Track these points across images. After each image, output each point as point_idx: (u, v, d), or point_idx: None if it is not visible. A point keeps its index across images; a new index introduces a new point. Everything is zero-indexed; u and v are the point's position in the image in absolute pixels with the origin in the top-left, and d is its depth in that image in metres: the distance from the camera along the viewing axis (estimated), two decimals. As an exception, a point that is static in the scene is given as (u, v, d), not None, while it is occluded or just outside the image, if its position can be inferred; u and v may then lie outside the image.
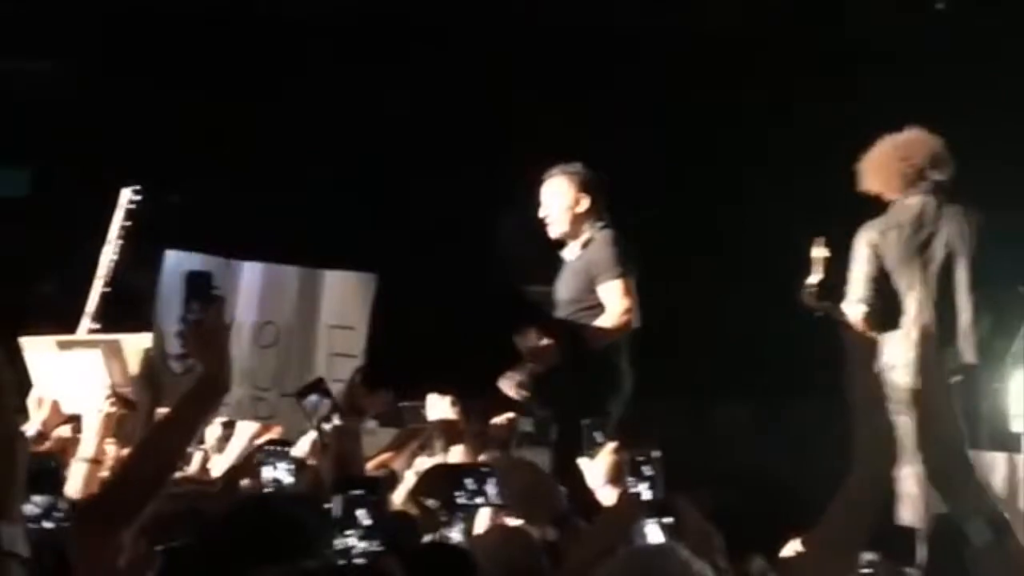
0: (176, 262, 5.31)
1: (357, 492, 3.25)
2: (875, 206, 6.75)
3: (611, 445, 4.23)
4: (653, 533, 3.24)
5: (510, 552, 3.55)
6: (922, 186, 6.59)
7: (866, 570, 3.45)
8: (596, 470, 4.12)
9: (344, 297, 4.95)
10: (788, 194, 11.03)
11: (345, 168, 13.02)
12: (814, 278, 6.68)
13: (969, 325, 6.60)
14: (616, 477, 4.05)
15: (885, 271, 6.59)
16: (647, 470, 3.80)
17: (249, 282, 5.12)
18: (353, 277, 4.99)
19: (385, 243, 12.30)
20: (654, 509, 3.26)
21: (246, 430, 5.31)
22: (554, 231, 6.87)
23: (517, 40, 12.16)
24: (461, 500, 3.92)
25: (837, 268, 6.74)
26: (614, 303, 6.65)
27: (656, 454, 3.83)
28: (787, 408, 11.90)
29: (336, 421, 4.27)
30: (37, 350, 5.63)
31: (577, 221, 6.84)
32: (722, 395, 12.17)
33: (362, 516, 3.22)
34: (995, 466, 6.48)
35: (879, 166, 6.64)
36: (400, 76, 13.08)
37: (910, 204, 6.59)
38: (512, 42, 12.17)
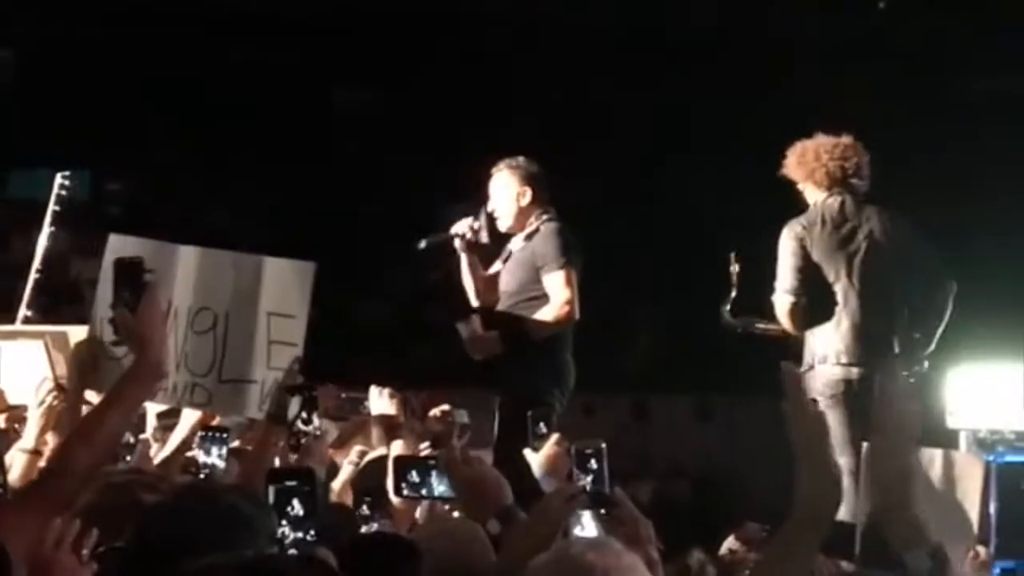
0: (120, 246, 5.24)
1: (290, 483, 3.24)
2: (794, 203, 6.92)
3: (554, 436, 4.24)
4: (588, 524, 3.23)
5: (458, 546, 3.53)
6: (845, 186, 6.82)
7: None
8: (539, 461, 4.12)
9: (283, 285, 4.89)
10: (727, 190, 11.15)
11: (298, 152, 12.98)
12: (730, 297, 6.93)
13: (908, 320, 6.78)
14: (558, 468, 4.06)
15: (812, 263, 6.73)
16: (592, 463, 3.80)
17: (186, 266, 5.06)
18: (292, 265, 4.94)
19: (332, 232, 12.30)
20: (591, 500, 3.26)
21: (188, 419, 5.26)
22: (502, 224, 6.89)
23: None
24: (406, 492, 3.90)
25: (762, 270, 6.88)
26: (556, 294, 6.67)
27: (602, 446, 3.83)
28: (727, 402, 12.01)
29: (316, 422, 4.23)
30: None
31: (522, 214, 6.86)
32: (664, 388, 12.24)
33: (295, 506, 3.20)
34: (932, 462, 6.53)
35: (813, 158, 6.82)
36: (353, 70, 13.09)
37: (831, 202, 6.79)
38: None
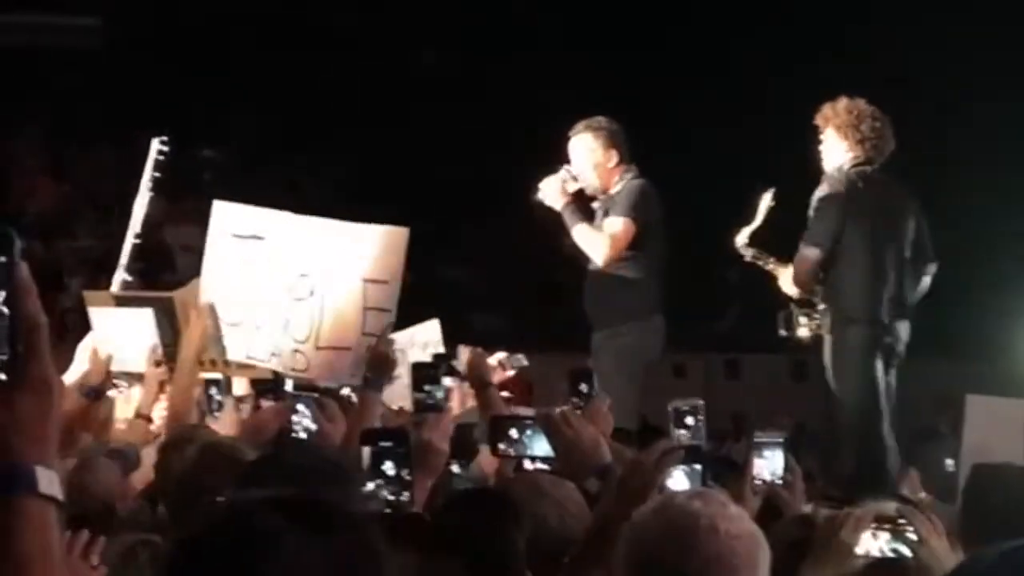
0: (224, 212, 5.28)
1: (385, 443, 3.26)
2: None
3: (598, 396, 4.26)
4: (679, 480, 3.20)
5: (553, 504, 3.51)
6: (877, 153, 6.86)
7: None
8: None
9: (379, 251, 4.90)
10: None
11: (386, 127, 13.00)
12: (753, 225, 6.96)
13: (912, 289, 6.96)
14: (601, 428, 4.03)
15: (847, 224, 6.76)
16: (689, 419, 3.76)
17: (287, 233, 5.10)
18: (388, 231, 4.94)
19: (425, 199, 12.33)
20: (686, 456, 3.22)
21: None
22: (587, 187, 6.81)
23: None
24: (503, 450, 3.89)
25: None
26: (607, 232, 6.62)
27: (699, 403, 3.80)
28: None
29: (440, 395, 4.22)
30: (97, 304, 5.62)
31: (609, 175, 6.80)
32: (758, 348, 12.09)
33: (388, 468, 3.23)
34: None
35: (857, 119, 6.84)
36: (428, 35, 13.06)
37: (865, 168, 6.84)
38: None
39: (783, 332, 6.97)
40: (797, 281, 6.85)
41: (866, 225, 6.81)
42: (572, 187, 6.73)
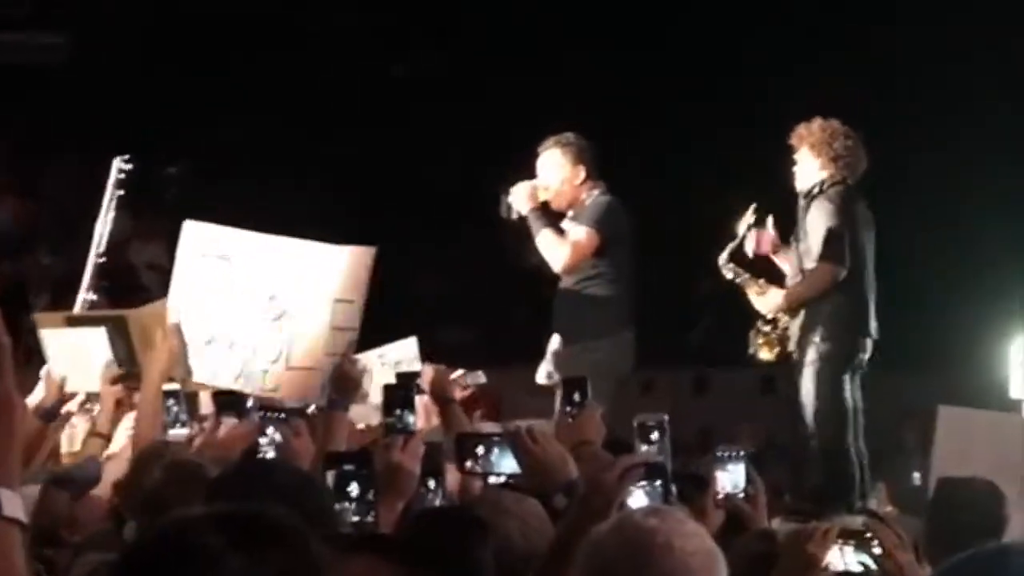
0: (195, 232, 5.27)
1: (348, 467, 3.26)
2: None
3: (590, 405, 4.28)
4: (640, 497, 3.20)
5: (518, 522, 3.51)
6: (853, 172, 7.05)
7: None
8: (573, 429, 4.10)
9: (348, 270, 4.92)
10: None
11: (353, 141, 12.97)
12: (734, 243, 7.06)
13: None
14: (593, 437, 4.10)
15: (853, 239, 6.94)
16: (654, 435, 3.77)
17: (260, 254, 5.10)
18: (356, 250, 4.96)
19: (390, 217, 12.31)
20: (647, 473, 3.22)
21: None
22: (554, 203, 6.82)
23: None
24: (470, 468, 3.88)
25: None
26: (570, 239, 6.64)
27: (664, 419, 3.81)
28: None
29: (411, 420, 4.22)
30: (48, 325, 5.59)
31: (576, 191, 6.81)
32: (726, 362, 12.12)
33: (353, 490, 3.23)
34: (1007, 429, 6.47)
35: (831, 137, 7.00)
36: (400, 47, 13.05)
37: (850, 185, 7.01)
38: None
39: (753, 351, 7.04)
40: (809, 299, 6.88)
41: (860, 242, 6.95)
42: (542, 196, 6.75)
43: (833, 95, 7.98)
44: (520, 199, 6.71)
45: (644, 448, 3.82)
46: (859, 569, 3.59)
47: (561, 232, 6.76)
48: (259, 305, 5.01)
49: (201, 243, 5.23)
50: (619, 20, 12.77)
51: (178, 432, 5.07)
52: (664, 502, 3.19)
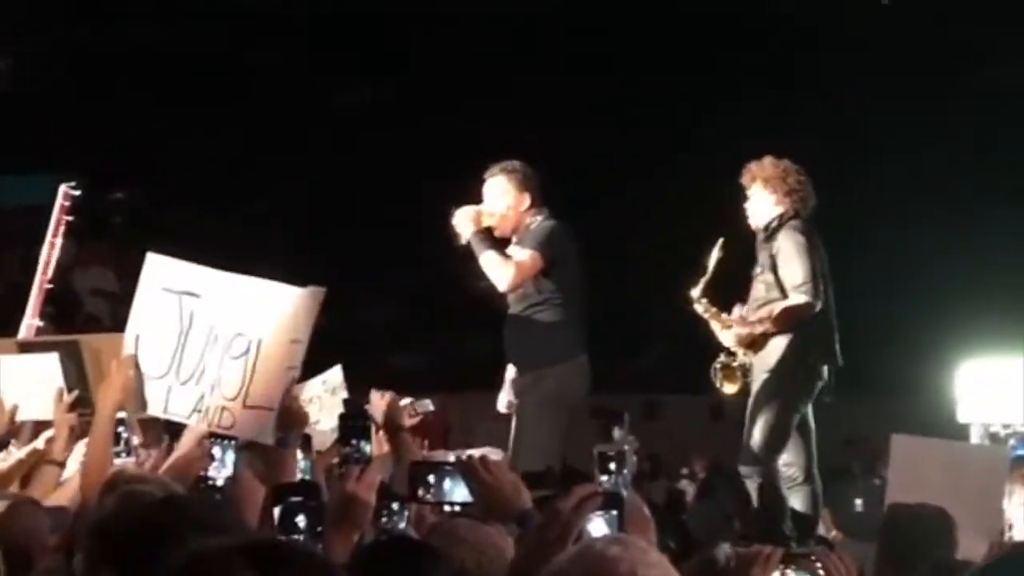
0: (158, 266, 5.23)
1: (296, 499, 3.25)
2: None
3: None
4: (598, 526, 3.18)
5: (473, 551, 3.49)
6: (803, 215, 7.13)
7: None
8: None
9: (302, 311, 4.93)
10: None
11: (299, 168, 12.94)
12: (703, 279, 7.09)
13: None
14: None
15: (820, 270, 7.01)
16: (612, 465, 3.76)
17: (227, 292, 5.08)
18: (310, 291, 4.96)
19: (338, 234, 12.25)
20: (604, 502, 3.20)
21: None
22: (500, 231, 6.83)
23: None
24: (422, 497, 3.86)
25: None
26: (514, 259, 6.67)
27: (624, 449, 3.80)
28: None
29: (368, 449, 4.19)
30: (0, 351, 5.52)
31: (521, 217, 6.82)
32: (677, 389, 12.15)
33: (300, 521, 3.22)
34: (956, 455, 6.52)
35: (785, 174, 7.11)
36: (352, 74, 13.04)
37: (806, 220, 7.10)
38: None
39: (717, 384, 7.08)
40: (782, 331, 6.92)
41: (824, 272, 7.02)
42: (487, 221, 6.75)
43: (778, 133, 8.07)
44: (463, 223, 6.72)
45: (603, 478, 3.80)
46: None
47: (505, 254, 6.77)
48: (223, 342, 4.99)
49: (165, 277, 5.21)
50: (565, 48, 12.83)
51: (124, 461, 5.02)
52: (620, 531, 3.17)
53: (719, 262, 7.07)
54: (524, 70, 12.81)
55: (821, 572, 3.64)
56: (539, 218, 6.81)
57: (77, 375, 5.29)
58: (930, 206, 12.02)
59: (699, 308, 7.11)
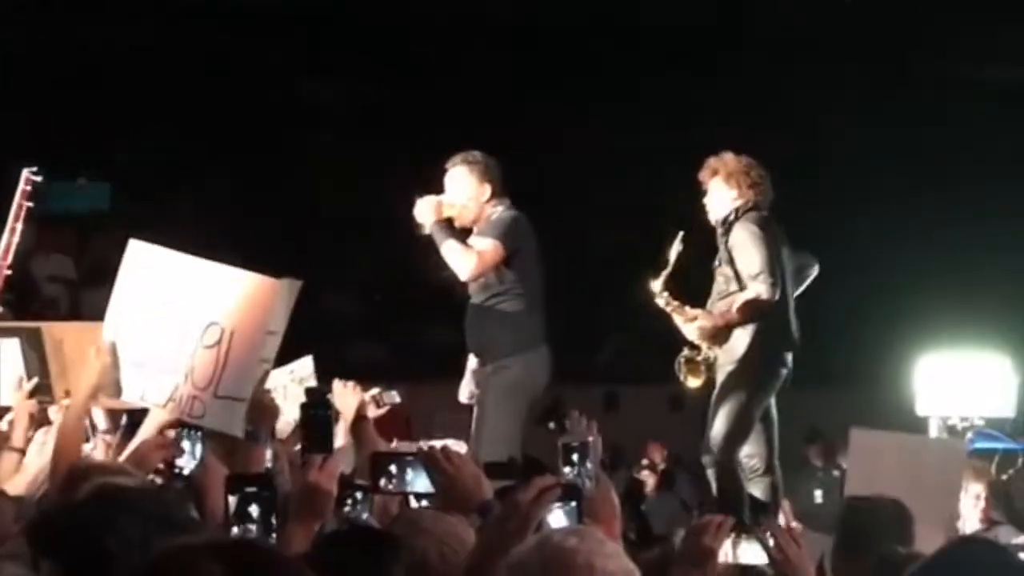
0: (139, 253, 5.20)
1: (250, 489, 3.25)
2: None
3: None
4: (557, 518, 3.20)
5: (435, 541, 3.49)
6: (764, 208, 7.13)
7: None
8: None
9: (280, 303, 4.92)
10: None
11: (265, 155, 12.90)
12: (664, 272, 7.07)
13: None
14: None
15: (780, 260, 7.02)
16: (574, 456, 3.77)
17: (203, 280, 5.06)
18: (288, 283, 4.96)
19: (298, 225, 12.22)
20: (564, 494, 3.22)
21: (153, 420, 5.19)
22: (461, 221, 6.83)
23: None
24: (383, 487, 3.86)
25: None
26: (475, 248, 6.68)
27: (588, 440, 3.81)
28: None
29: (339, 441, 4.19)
30: None
31: (482, 208, 6.83)
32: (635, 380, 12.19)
33: (254, 511, 3.22)
34: (914, 448, 6.58)
35: (747, 168, 7.12)
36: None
37: (765, 211, 7.10)
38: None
39: (682, 379, 7.09)
40: (744, 323, 6.94)
41: (782, 263, 7.04)
42: (447, 211, 6.76)
43: (729, 123, 8.11)
44: (424, 213, 6.72)
45: (567, 470, 3.81)
46: (752, 561, 3.71)
47: (466, 244, 6.78)
48: (197, 330, 4.97)
49: (144, 263, 5.18)
50: (523, 40, 12.86)
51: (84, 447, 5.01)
52: (579, 522, 3.19)
53: (680, 256, 7.10)
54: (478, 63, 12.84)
55: (771, 542, 3.73)
56: (500, 208, 6.82)
57: (38, 362, 5.26)
58: (890, 199, 12.10)
59: (660, 302, 7.13)
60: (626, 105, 12.67)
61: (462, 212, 6.80)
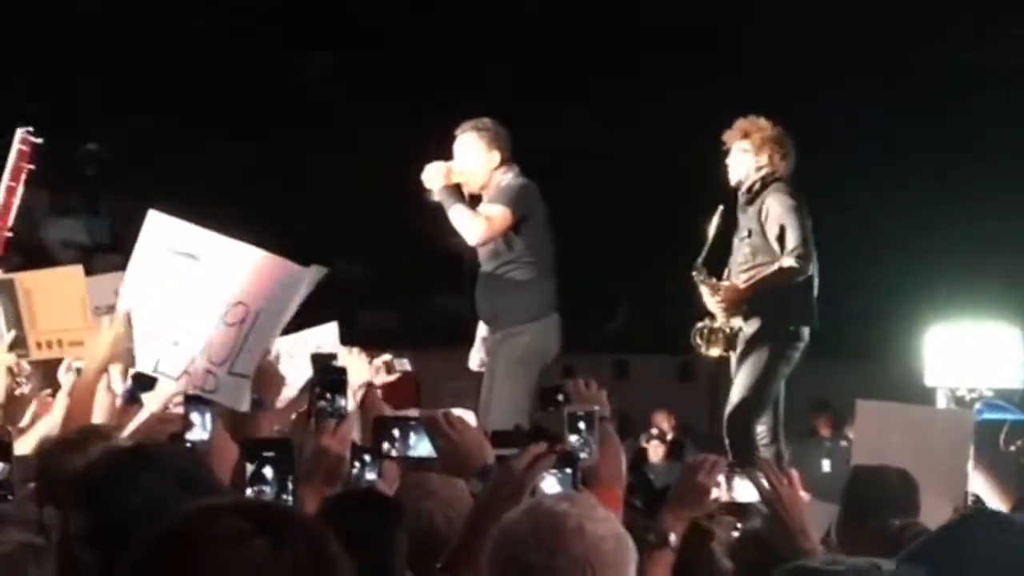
0: (159, 224, 5.22)
1: (268, 453, 3.28)
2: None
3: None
4: (551, 484, 3.21)
5: (440, 504, 3.51)
6: (786, 177, 7.11)
7: None
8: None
9: (301, 289, 4.97)
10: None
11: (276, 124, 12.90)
12: (704, 249, 7.06)
13: None
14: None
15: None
16: (581, 425, 3.79)
17: (224, 258, 5.09)
18: (314, 271, 5.00)
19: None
20: (559, 461, 3.23)
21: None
22: (470, 187, 6.83)
23: None
24: (386, 451, 3.88)
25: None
26: (483, 213, 6.69)
27: (595, 409, 3.83)
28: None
29: (342, 403, 4.21)
30: None
31: (491, 175, 6.83)
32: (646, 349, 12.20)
33: (268, 473, 3.25)
34: (922, 419, 6.58)
35: (779, 136, 7.07)
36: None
37: (789, 178, 7.09)
38: None
39: (701, 348, 7.07)
40: (771, 293, 6.92)
41: (810, 234, 7.01)
42: (456, 178, 6.76)
43: (741, 96, 8.07)
44: (432, 178, 6.72)
45: (573, 438, 3.83)
46: (746, 499, 3.78)
47: (475, 210, 6.78)
48: (219, 307, 5.01)
49: (166, 236, 5.20)
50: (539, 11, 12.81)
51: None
52: (574, 489, 3.21)
53: (718, 229, 7.03)
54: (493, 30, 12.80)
55: (763, 481, 3.77)
56: (509, 175, 6.81)
57: (14, 314, 5.29)
58: (901, 168, 12.06)
59: (699, 277, 7.09)
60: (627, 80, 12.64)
61: (471, 179, 6.80)
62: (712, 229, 7.06)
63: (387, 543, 3.26)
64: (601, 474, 3.83)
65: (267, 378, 4.69)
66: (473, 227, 6.68)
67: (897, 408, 6.75)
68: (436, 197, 6.73)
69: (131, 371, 5.29)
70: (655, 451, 12.12)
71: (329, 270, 5.08)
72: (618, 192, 12.55)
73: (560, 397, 4.28)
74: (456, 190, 6.76)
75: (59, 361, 5.33)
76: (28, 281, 5.38)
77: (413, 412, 4.61)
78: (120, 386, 5.39)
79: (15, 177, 5.84)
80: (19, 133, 5.85)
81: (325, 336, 5.93)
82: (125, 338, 5.06)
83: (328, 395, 4.17)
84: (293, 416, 5.13)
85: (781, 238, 6.93)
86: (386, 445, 3.89)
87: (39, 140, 5.87)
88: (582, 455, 3.67)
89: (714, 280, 7.07)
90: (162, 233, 5.19)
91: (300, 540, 1.93)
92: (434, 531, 3.49)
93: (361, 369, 5.30)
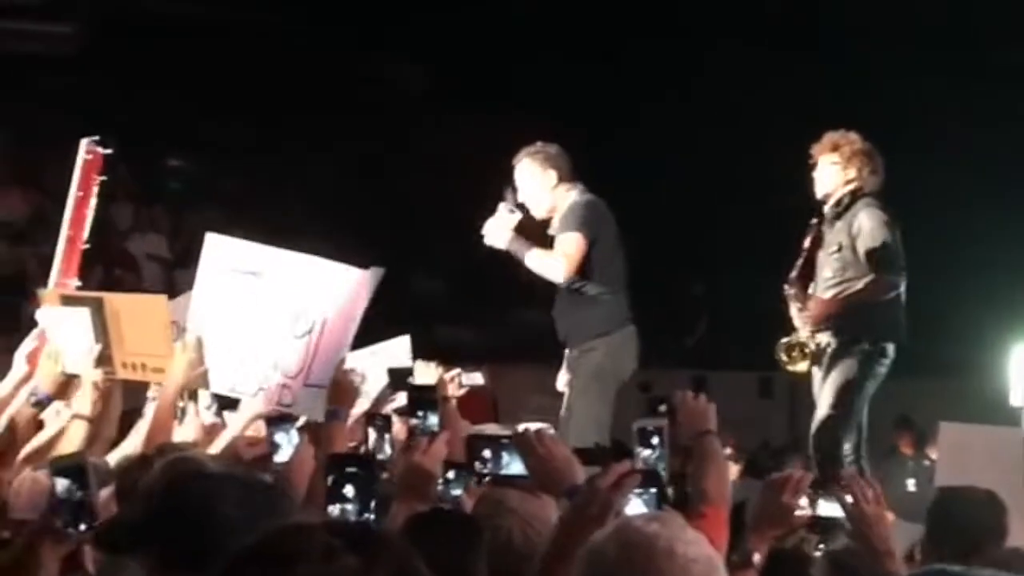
0: (218, 245, 5.29)
1: (351, 469, 3.27)
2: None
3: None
4: (635, 505, 3.17)
5: (521, 523, 3.51)
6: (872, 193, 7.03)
7: None
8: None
9: (362, 292, 5.01)
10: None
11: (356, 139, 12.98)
12: (796, 264, 7.04)
13: None
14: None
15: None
16: (654, 439, 3.76)
17: (284, 272, 5.14)
18: (371, 273, 5.04)
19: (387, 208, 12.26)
20: (644, 479, 3.20)
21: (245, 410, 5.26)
22: (537, 212, 6.85)
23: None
24: (482, 471, 3.87)
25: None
26: (559, 251, 6.68)
27: (664, 423, 3.80)
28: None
29: (432, 420, 4.22)
30: (48, 302, 5.56)
31: (552, 196, 6.84)
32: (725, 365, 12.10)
33: (349, 491, 3.26)
34: (1008, 442, 6.47)
35: (869, 153, 6.99)
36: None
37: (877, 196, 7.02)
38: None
39: (786, 364, 7.01)
40: (859, 309, 6.86)
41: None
42: (513, 221, 6.76)
43: (823, 110, 7.99)
44: (495, 237, 6.73)
45: (645, 453, 3.81)
46: (830, 514, 3.73)
47: (546, 245, 6.79)
48: (286, 321, 5.07)
49: (225, 257, 5.27)
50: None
51: None
52: (658, 509, 3.17)
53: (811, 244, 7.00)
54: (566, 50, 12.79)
55: (848, 497, 3.71)
56: (573, 194, 6.82)
57: (102, 331, 5.35)
58: (984, 186, 11.89)
59: (790, 291, 7.04)
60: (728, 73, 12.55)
61: (536, 204, 6.82)
62: (807, 242, 7.01)
63: (468, 564, 3.26)
64: (708, 493, 3.79)
65: (341, 389, 4.72)
66: (554, 269, 6.70)
67: (981, 430, 6.65)
68: (506, 249, 6.73)
69: (209, 393, 5.37)
70: (731, 469, 12.04)
71: (386, 273, 5.07)
72: (699, 205, 12.49)
73: (663, 408, 4.24)
74: (520, 236, 6.76)
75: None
76: (117, 302, 5.46)
77: (495, 428, 4.62)
78: (205, 410, 5.46)
79: (85, 188, 5.78)
80: (84, 144, 5.83)
81: (397, 350, 5.96)
82: (198, 362, 5.13)
83: (420, 413, 4.18)
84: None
85: (871, 253, 6.86)
86: (479, 464, 3.89)
87: (108, 151, 5.84)
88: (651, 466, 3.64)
89: (805, 294, 7.02)
90: (222, 254, 5.26)
91: (389, 558, 1.94)
92: (512, 548, 3.49)
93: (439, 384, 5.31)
